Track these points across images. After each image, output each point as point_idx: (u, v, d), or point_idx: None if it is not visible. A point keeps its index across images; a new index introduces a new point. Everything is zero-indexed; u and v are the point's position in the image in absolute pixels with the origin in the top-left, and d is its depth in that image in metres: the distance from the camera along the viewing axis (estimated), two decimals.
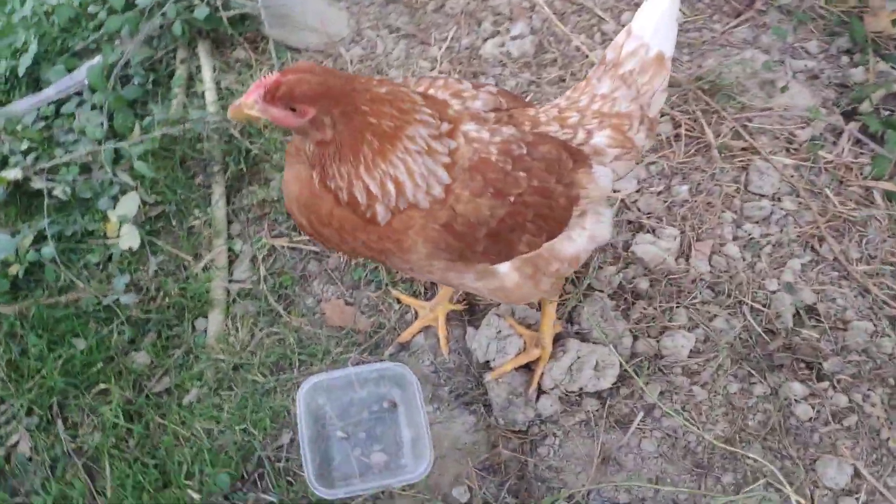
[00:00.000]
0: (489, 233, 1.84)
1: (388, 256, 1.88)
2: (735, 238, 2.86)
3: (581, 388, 2.51)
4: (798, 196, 2.94)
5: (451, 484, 2.35)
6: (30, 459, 2.33)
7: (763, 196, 2.96)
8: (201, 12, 3.06)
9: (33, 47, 3.08)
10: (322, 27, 3.51)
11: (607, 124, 2.01)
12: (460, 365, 2.60)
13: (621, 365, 2.53)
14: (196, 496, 2.26)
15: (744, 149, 3.08)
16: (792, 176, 3.00)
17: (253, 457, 2.36)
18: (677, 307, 2.70)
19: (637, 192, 3.01)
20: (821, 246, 2.83)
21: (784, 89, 3.25)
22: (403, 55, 3.45)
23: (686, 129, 3.14)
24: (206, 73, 3.17)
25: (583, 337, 2.60)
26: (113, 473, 2.32)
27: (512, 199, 1.83)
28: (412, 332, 2.61)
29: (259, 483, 2.33)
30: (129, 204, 2.68)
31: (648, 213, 2.94)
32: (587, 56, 3.38)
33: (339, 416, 2.43)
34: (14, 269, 2.58)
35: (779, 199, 2.95)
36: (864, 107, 3.17)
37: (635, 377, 2.52)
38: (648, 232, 2.88)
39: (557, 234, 2.04)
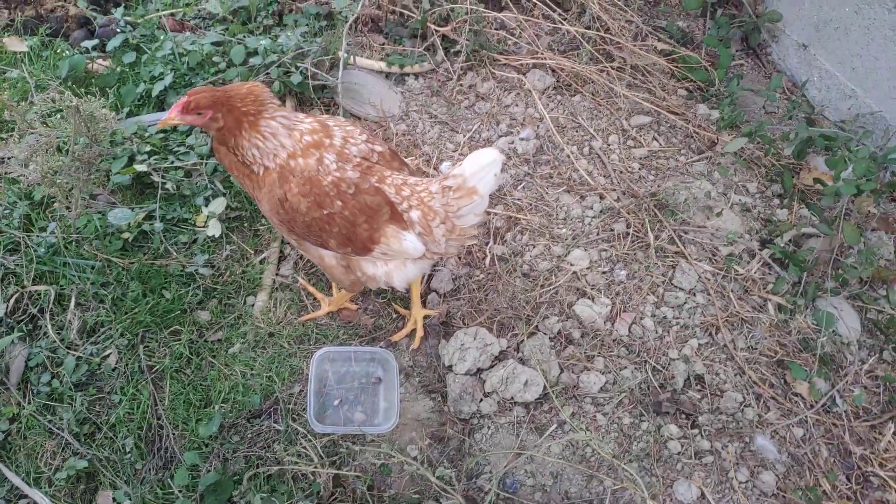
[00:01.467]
0: (305, 222, 2.81)
1: (261, 206, 2.90)
2: (653, 315, 3.81)
3: (512, 397, 3.42)
4: (709, 294, 3.90)
5: (407, 442, 3.25)
6: (114, 370, 3.25)
7: (681, 290, 3.92)
8: (296, 79, 4.15)
9: (168, 78, 4.15)
10: (380, 104, 4.56)
11: (421, 208, 2.87)
12: (430, 364, 3.53)
13: (545, 386, 3.45)
14: (228, 413, 3.17)
15: (675, 252, 4.06)
16: (708, 279, 3.96)
17: (272, 396, 3.27)
18: (598, 355, 3.63)
19: (588, 268, 3.98)
20: (717, 334, 3.76)
21: (719, 214, 4.25)
22: (436, 136, 4.48)
23: (634, 230, 4.13)
24: None
25: (522, 361, 3.52)
26: (171, 389, 3.24)
27: (326, 212, 2.77)
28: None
29: (272, 415, 3.24)
30: (218, 205, 3.68)
31: (593, 285, 3.90)
32: (573, 162, 4.41)
33: (336, 380, 3.36)
34: (126, 235, 3.56)
35: (693, 294, 3.90)
36: (779, 240, 4.15)
37: (554, 398, 3.43)
38: (589, 298, 3.84)
39: (361, 254, 2.94)
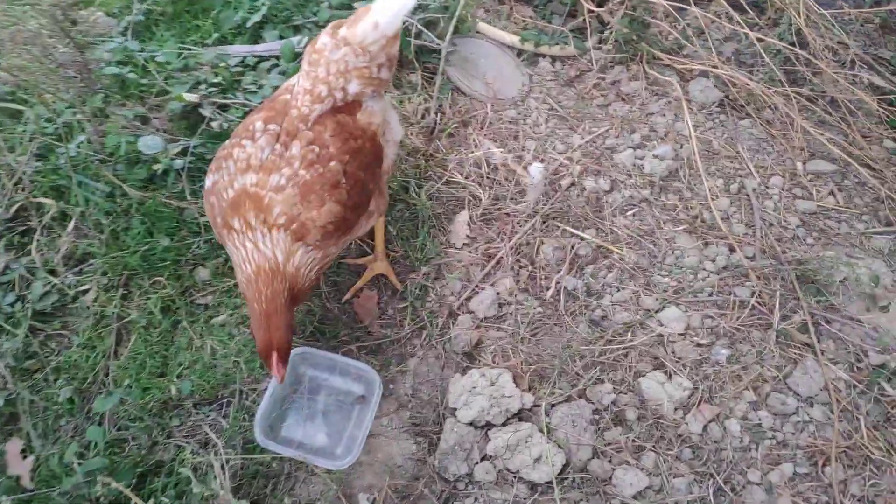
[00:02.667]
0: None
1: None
2: (744, 418, 2.82)
3: (518, 471, 2.63)
4: (832, 411, 2.82)
5: (361, 488, 2.59)
6: (87, 308, 2.92)
7: (796, 395, 2.87)
8: None
9: (264, 10, 3.77)
10: (493, 82, 3.87)
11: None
12: (431, 400, 2.83)
13: (564, 468, 2.62)
14: (175, 391, 2.70)
15: (804, 344, 3.00)
16: (838, 391, 2.87)
17: (231, 385, 2.76)
18: (650, 449, 2.73)
19: (681, 334, 3.04)
20: (825, 466, 2.71)
21: (885, 309, 3.12)
22: (546, 132, 3.71)
23: (758, 301, 3.11)
24: None
25: (546, 430, 2.71)
26: (132, 346, 2.84)
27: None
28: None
29: (223, 408, 2.72)
30: None
31: (678, 358, 2.97)
32: (710, 199, 3.42)
33: (311, 389, 2.77)
34: (157, 167, 3.22)
35: (810, 405, 2.85)
36: None
37: (572, 488, 2.60)
38: (665, 373, 2.92)
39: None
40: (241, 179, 2.38)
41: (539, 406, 2.79)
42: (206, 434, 2.61)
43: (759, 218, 3.41)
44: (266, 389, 2.65)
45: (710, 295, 3.16)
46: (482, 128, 3.64)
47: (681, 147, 3.69)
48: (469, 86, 3.85)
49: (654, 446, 2.75)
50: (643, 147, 3.70)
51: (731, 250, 3.29)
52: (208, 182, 2.49)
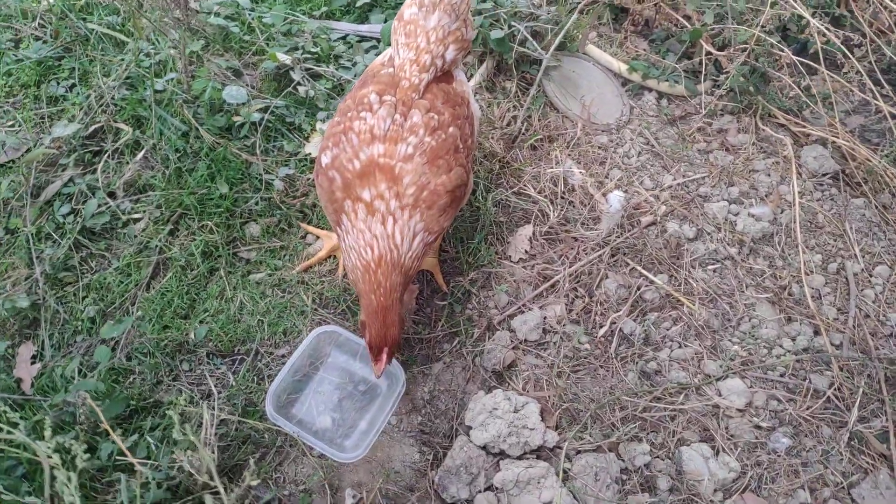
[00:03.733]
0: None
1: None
2: None
3: None
4: None
5: (350, 483, 2.39)
6: (135, 236, 2.89)
7: None
8: (496, 34, 3.45)
9: None
10: (590, 105, 3.68)
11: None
12: (448, 411, 2.62)
13: None
14: (192, 337, 2.61)
15: (880, 455, 2.61)
16: None
17: (250, 344, 2.65)
18: None
19: (740, 410, 2.72)
20: None
21: None
22: (636, 166, 3.48)
23: (834, 393, 2.75)
24: (475, 79, 3.56)
25: (563, 475, 2.44)
26: (165, 281, 2.78)
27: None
28: (319, 258, 2.86)
29: (235, 364, 2.61)
30: None
31: (731, 436, 2.65)
32: (804, 273, 3.09)
33: (330, 370, 2.61)
34: (237, 119, 3.20)
35: None
36: None
37: None
38: (713, 448, 2.60)
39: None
40: (368, 150, 2.33)
41: (561, 448, 2.52)
42: (210, 385, 2.49)
43: (855, 305, 3.04)
44: (287, 361, 2.51)
45: (783, 375, 2.82)
46: (568, 147, 3.44)
47: (781, 212, 3.36)
48: (564, 104, 3.67)
49: None
50: (740, 203, 3.40)
51: (816, 333, 2.94)
52: (326, 158, 2.39)
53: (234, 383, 2.53)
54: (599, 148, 3.50)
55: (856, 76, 3.57)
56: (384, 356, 2.25)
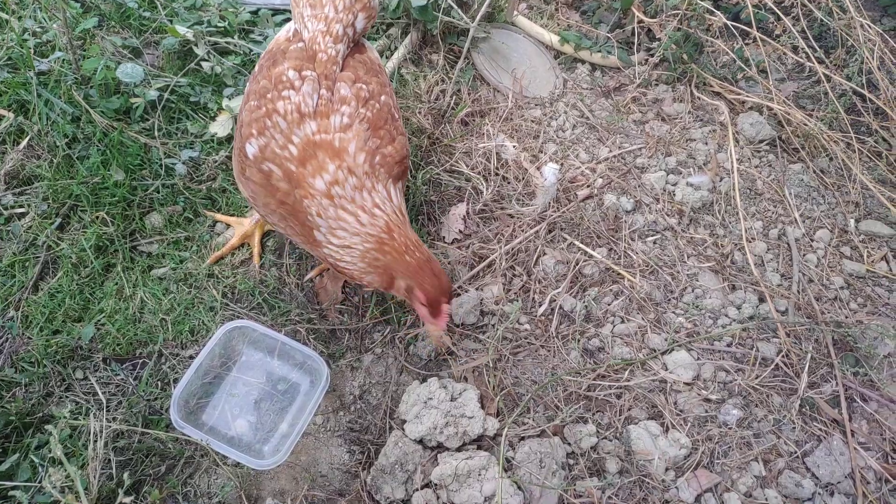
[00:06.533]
0: None
1: None
2: (748, 495, 2.33)
3: None
4: None
5: (271, 492, 2.15)
6: (20, 234, 2.57)
7: (815, 478, 2.37)
8: (418, 2, 3.24)
9: None
10: (522, 78, 3.51)
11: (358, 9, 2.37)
12: (380, 406, 2.40)
13: None
14: (83, 343, 2.32)
15: (832, 421, 2.51)
16: (867, 483, 2.37)
17: (152, 347, 2.37)
18: None
19: (688, 384, 2.58)
20: None
21: None
22: (571, 139, 3.32)
23: (783, 360, 2.64)
24: (398, 52, 3.33)
25: (506, 464, 2.25)
26: (55, 281, 2.47)
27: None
28: (230, 247, 2.62)
29: (136, 369, 2.33)
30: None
31: (679, 411, 2.51)
32: (746, 240, 2.98)
33: (243, 368, 2.36)
34: (136, 101, 2.89)
35: (830, 493, 2.34)
36: None
37: None
38: (662, 425, 2.45)
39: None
40: (301, 131, 2.08)
41: (501, 435, 2.33)
42: (103, 395, 2.20)
43: (799, 271, 2.95)
44: (193, 362, 2.25)
45: (729, 345, 2.69)
46: (500, 121, 3.26)
47: (720, 180, 3.26)
48: (495, 77, 3.49)
49: None
50: (678, 173, 3.28)
51: (761, 300, 2.83)
52: (252, 149, 2.10)
53: (134, 390, 2.25)
54: (533, 122, 3.33)
55: (788, 40, 3.48)
56: (444, 308, 2.08)
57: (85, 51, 2.90)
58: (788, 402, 2.53)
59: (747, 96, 3.53)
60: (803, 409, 2.52)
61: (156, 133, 2.79)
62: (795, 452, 2.42)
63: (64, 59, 2.86)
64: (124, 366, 2.32)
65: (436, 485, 2.22)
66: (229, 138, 2.90)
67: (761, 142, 3.46)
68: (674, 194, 3.18)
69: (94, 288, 2.48)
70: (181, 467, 2.14)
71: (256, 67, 2.32)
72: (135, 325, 2.38)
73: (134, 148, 2.74)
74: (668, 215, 3.09)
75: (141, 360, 2.33)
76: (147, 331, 2.38)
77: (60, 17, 2.82)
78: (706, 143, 3.42)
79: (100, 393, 2.15)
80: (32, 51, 2.85)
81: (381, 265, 2.07)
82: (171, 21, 3.20)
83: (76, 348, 2.32)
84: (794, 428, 2.47)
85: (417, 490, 2.22)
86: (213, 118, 2.90)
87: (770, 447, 2.42)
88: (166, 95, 2.86)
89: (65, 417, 1.86)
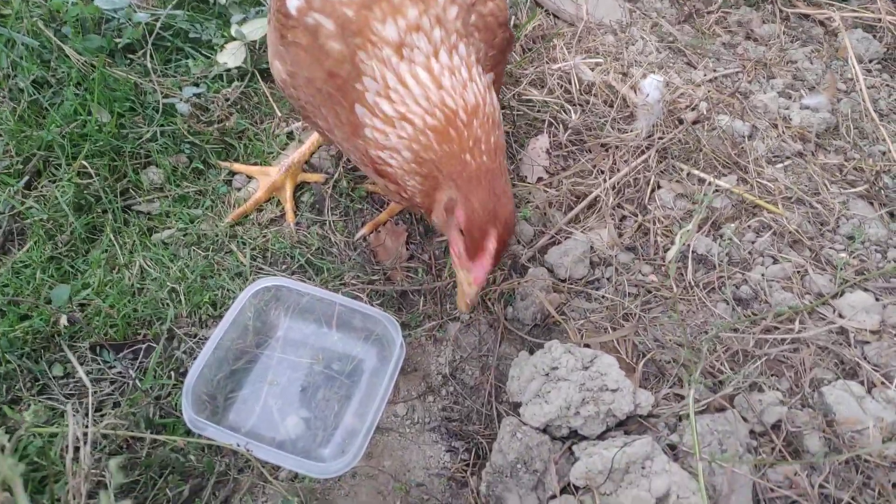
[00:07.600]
0: None
1: None
2: None
3: None
4: None
5: None
6: None
7: None
8: None
9: None
10: (586, 4, 2.93)
11: None
12: (480, 387, 1.72)
13: None
14: (65, 323, 1.65)
15: None
16: None
17: (159, 326, 1.70)
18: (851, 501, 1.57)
19: (875, 332, 1.92)
20: None
21: None
22: (657, 61, 2.72)
23: None
24: None
25: (672, 451, 1.57)
26: (23, 252, 1.81)
27: None
28: (256, 201, 1.98)
29: (138, 356, 1.65)
30: (256, 27, 2.27)
31: (876, 365, 1.84)
32: (886, 160, 2.38)
33: (285, 346, 1.69)
34: (119, 41, 2.28)
35: None
36: None
37: None
38: (862, 384, 1.79)
39: None
40: None
41: (657, 416, 1.66)
42: (98, 391, 1.53)
43: None
44: (207, 343, 1.58)
45: None
46: (574, 43, 2.66)
47: (838, 101, 2.66)
48: (554, 2, 2.90)
49: (854, 498, 1.58)
50: (787, 96, 2.71)
51: None
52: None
53: (138, 384, 1.57)
54: (611, 46, 2.73)
55: None
56: (489, 248, 1.35)
57: None
58: None
59: (848, 13, 2.99)
60: None
61: (149, 65, 2.16)
62: None
63: None
64: (121, 354, 1.64)
65: (580, 488, 1.54)
66: (242, 75, 2.29)
67: (871, 61, 2.90)
68: (789, 119, 2.58)
69: (75, 258, 1.81)
70: (212, 488, 1.45)
71: None
72: (133, 299, 1.71)
73: (122, 90, 2.11)
74: (789, 141, 2.49)
75: (145, 345, 1.65)
76: (151, 305, 1.71)
77: None
78: (812, 63, 2.85)
79: (88, 386, 1.46)
80: None
81: (428, 162, 1.39)
82: None
83: (52, 336, 1.64)
84: None
85: (555, 498, 1.53)
86: (222, 48, 2.28)
87: None
88: (158, 29, 2.24)
89: (27, 421, 1.19)
